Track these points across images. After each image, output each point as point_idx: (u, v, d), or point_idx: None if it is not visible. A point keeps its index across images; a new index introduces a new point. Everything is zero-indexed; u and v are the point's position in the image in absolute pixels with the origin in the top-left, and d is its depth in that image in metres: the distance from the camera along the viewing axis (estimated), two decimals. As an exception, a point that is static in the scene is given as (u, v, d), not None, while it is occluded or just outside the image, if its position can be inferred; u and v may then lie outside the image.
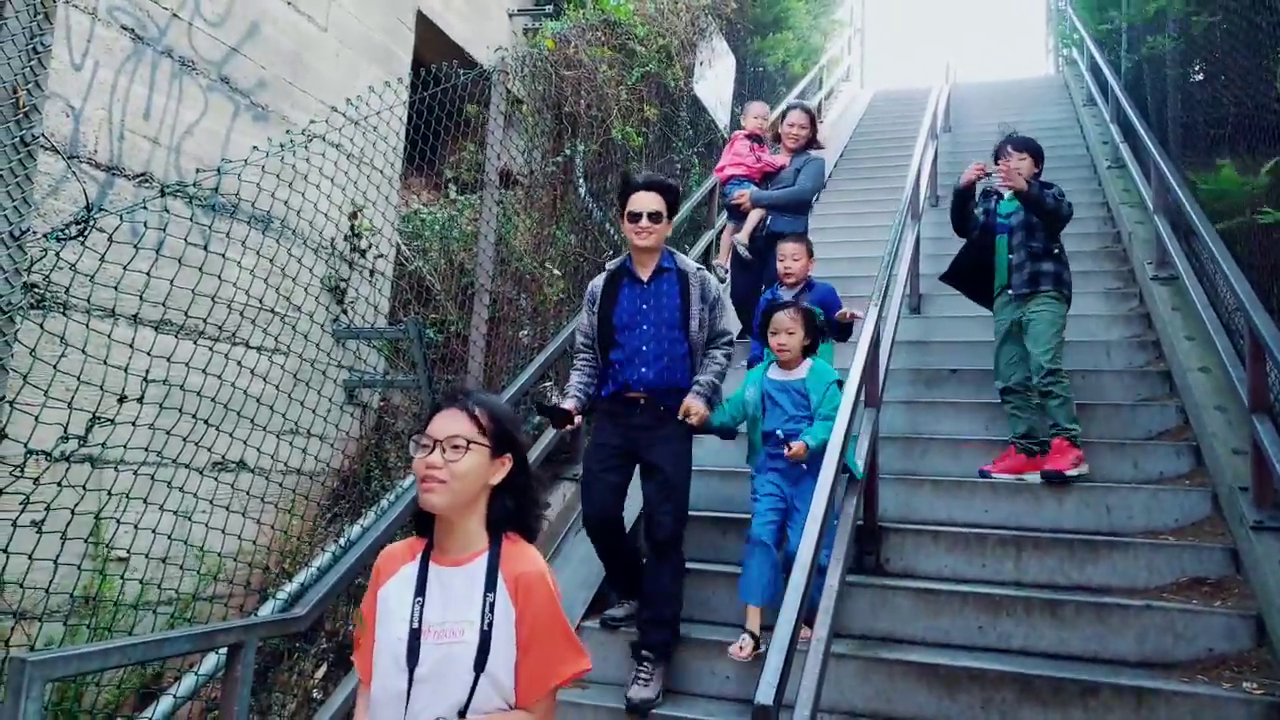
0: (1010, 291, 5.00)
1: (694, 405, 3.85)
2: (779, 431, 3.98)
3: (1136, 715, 3.30)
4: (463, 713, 1.88)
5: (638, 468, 3.98)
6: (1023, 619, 3.87)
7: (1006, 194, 5.17)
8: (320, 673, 4.12)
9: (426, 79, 5.21)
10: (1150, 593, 3.94)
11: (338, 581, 3.53)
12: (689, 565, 4.33)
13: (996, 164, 5.16)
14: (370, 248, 5.24)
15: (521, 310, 6.00)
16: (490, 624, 1.90)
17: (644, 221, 3.88)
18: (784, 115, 6.16)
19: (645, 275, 3.94)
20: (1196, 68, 6.89)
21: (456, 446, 1.93)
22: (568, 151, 6.73)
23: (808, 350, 4.14)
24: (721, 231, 7.12)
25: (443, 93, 5.19)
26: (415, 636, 1.92)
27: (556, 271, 6.17)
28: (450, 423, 1.96)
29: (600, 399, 3.99)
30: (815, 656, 2.95)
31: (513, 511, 2.03)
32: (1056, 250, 4.97)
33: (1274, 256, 4.67)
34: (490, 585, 1.93)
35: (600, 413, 4.03)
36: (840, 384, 4.01)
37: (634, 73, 7.38)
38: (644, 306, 3.91)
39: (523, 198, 6.45)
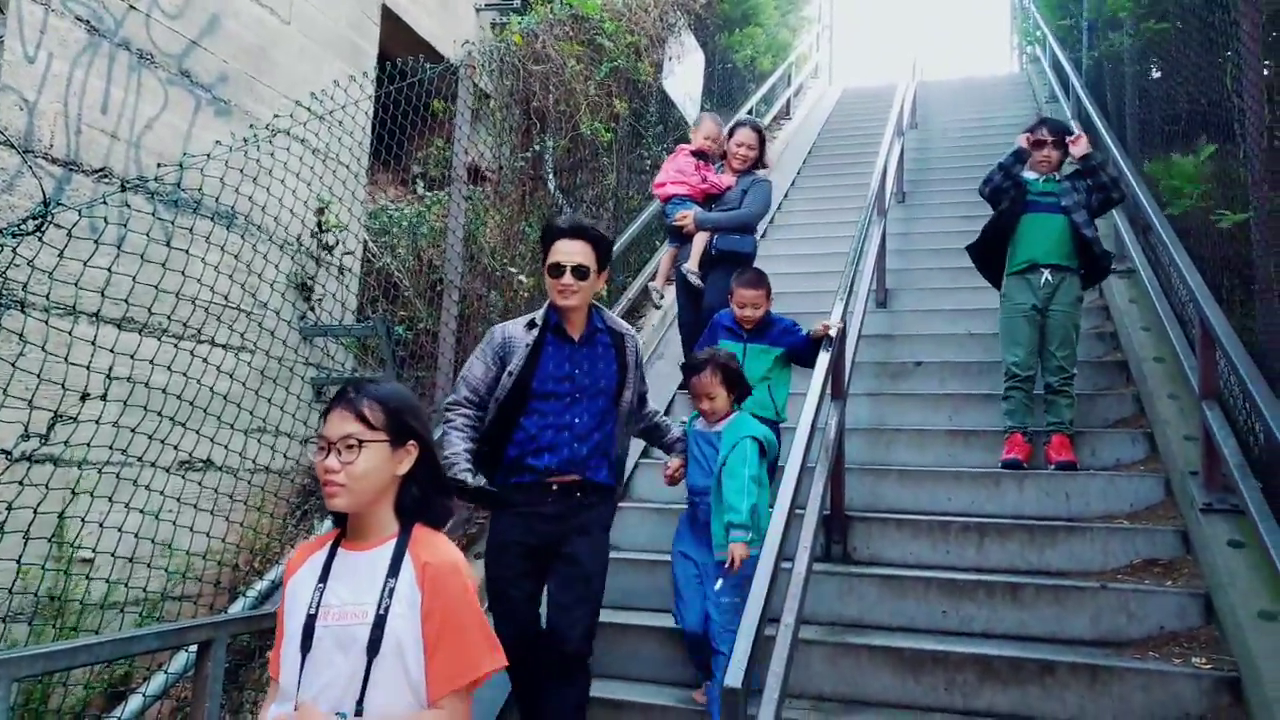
0: (1107, 268, 5.04)
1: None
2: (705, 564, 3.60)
3: (1091, 691, 3.39)
4: (360, 708, 1.80)
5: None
6: (984, 602, 3.95)
7: (1030, 175, 5.16)
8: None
9: (393, 74, 5.21)
10: (1105, 575, 4.03)
11: (307, 577, 3.53)
12: (629, 555, 4.34)
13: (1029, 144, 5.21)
14: (337, 244, 5.23)
15: (491, 306, 6.01)
16: (387, 609, 1.85)
17: (567, 278, 3.23)
18: (731, 133, 5.64)
19: (576, 334, 3.35)
20: (1154, 65, 7.02)
21: (350, 447, 1.90)
22: (536, 147, 6.74)
23: (741, 398, 3.84)
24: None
25: (410, 88, 5.19)
26: (310, 621, 1.88)
27: (522, 277, 6.17)
28: (341, 423, 1.92)
29: (505, 485, 3.28)
30: (783, 642, 2.99)
31: (419, 500, 1.98)
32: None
33: (1224, 251, 4.78)
34: (394, 570, 1.88)
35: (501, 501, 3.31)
36: (757, 441, 3.62)
37: (603, 68, 7.41)
38: (575, 372, 3.30)
39: (491, 194, 6.46)
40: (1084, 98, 8.03)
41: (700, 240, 5.35)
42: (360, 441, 1.90)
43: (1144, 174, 5.98)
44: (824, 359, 4.16)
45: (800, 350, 4.41)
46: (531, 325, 3.35)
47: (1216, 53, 5.26)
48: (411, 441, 1.97)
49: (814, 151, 11.25)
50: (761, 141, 5.58)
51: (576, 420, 3.26)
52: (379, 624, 1.83)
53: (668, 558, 4.09)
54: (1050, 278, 4.94)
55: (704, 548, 3.64)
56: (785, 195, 9.77)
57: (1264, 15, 4.25)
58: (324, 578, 1.93)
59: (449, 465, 3.13)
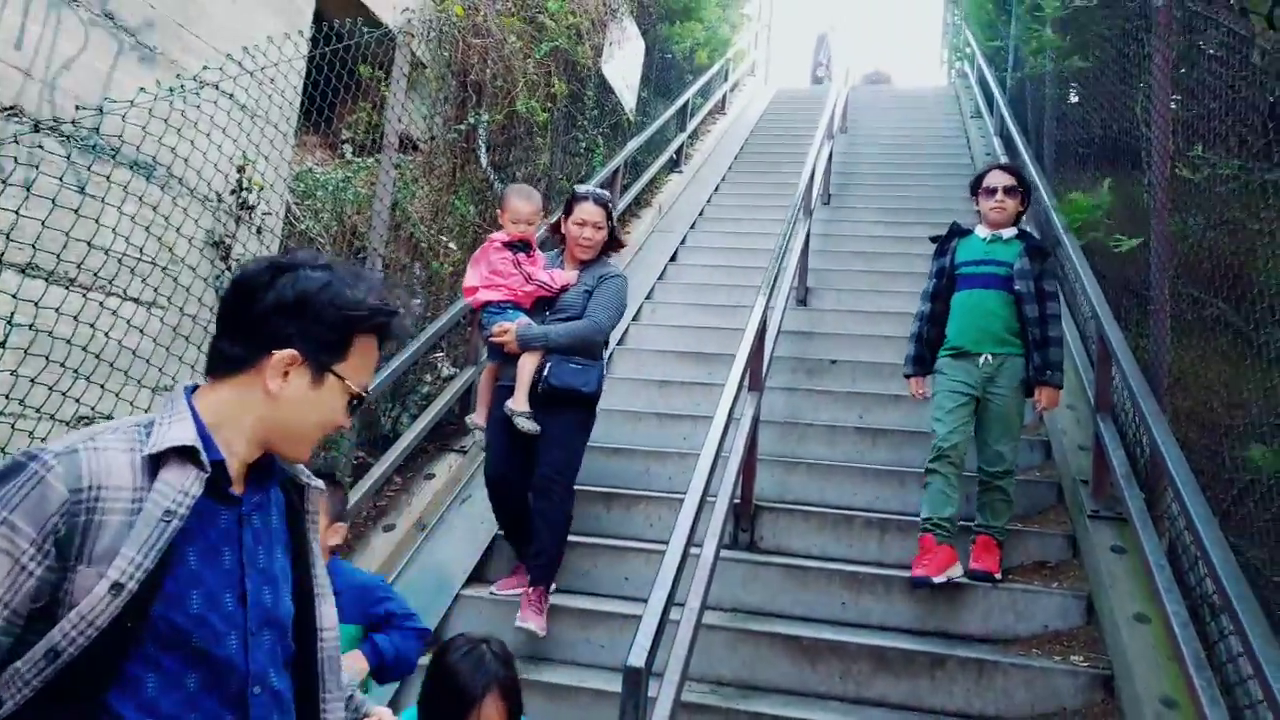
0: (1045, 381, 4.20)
1: None
2: None
3: (977, 685, 3.56)
4: None
5: None
6: (883, 596, 4.10)
7: (983, 233, 4.48)
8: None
9: (329, 34, 5.10)
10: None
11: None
12: (572, 537, 4.40)
13: (975, 196, 4.58)
14: (260, 203, 5.11)
15: (415, 278, 5.95)
16: None
17: None
18: (568, 210, 4.26)
19: (238, 482, 1.45)
20: (1072, 90, 7.31)
21: None
22: (471, 120, 6.68)
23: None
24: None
25: (345, 50, 5.09)
26: None
27: (453, 245, 6.11)
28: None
29: None
30: (686, 626, 3.06)
31: None
32: None
33: (1126, 272, 5.02)
34: None
35: None
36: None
37: (543, 46, 7.37)
38: (252, 574, 1.43)
39: (422, 164, 6.38)
40: (1006, 116, 8.32)
41: (529, 365, 3.99)
42: None
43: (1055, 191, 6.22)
44: (743, 352, 4.25)
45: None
46: (155, 461, 1.34)
47: (1129, 84, 5.51)
48: None
49: (745, 148, 11.38)
50: (609, 216, 4.24)
51: (256, 689, 1.40)
52: None
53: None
54: (991, 359, 4.25)
55: None
56: (716, 189, 9.87)
57: (1174, 51, 4.47)
58: None
59: None
